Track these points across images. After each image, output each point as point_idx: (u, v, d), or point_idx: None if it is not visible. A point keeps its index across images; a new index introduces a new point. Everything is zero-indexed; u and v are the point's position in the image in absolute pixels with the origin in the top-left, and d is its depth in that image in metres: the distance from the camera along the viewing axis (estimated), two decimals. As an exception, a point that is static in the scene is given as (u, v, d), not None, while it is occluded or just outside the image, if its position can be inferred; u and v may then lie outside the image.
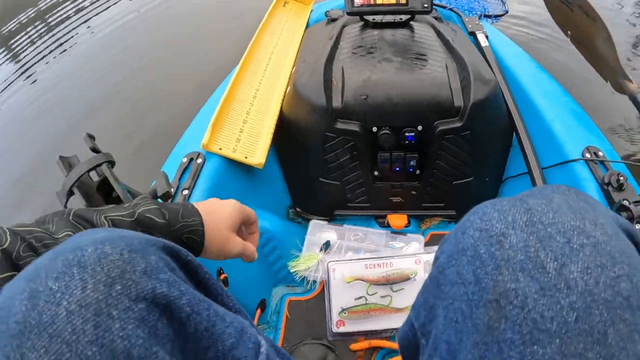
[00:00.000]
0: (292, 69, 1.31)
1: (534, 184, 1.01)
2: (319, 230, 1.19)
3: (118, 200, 0.67)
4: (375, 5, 1.25)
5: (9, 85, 2.87)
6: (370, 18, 1.32)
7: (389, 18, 1.33)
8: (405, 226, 1.20)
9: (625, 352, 0.32)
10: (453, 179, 1.14)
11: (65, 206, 0.64)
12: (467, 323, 0.37)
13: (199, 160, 1.04)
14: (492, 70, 1.19)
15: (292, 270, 1.09)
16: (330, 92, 1.10)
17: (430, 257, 1.03)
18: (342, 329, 0.97)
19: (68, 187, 0.64)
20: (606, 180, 0.90)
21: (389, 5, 1.24)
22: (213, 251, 0.65)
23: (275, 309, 1.07)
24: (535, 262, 0.35)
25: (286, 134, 1.20)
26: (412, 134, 1.08)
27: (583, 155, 0.97)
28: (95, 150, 0.68)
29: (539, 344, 0.32)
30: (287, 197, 1.29)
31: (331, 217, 1.24)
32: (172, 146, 1.14)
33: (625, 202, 0.83)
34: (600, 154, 0.97)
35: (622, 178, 0.88)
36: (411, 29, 1.30)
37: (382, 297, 1.00)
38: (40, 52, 3.16)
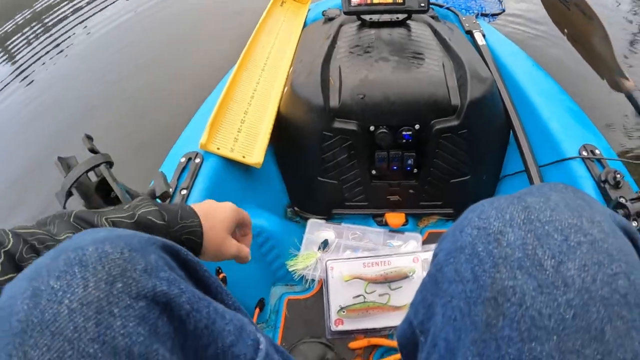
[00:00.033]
0: (290, 68, 1.31)
1: (531, 182, 1.01)
2: (317, 229, 1.19)
3: (116, 201, 0.67)
4: (372, 4, 1.25)
5: (5, 86, 2.86)
6: (367, 17, 1.32)
7: (386, 17, 1.33)
8: (403, 225, 1.20)
9: (622, 349, 0.32)
10: (450, 178, 1.15)
11: (64, 207, 0.64)
12: (465, 320, 0.37)
13: (197, 160, 1.04)
14: (489, 68, 1.20)
15: (290, 269, 1.09)
16: (327, 91, 1.10)
17: (428, 255, 1.04)
18: (340, 328, 0.98)
19: (67, 188, 0.64)
20: (603, 178, 0.90)
21: (385, 4, 1.25)
22: (210, 252, 0.65)
23: (274, 308, 1.08)
24: (532, 260, 0.35)
25: (284, 134, 1.20)
26: (410, 132, 1.08)
27: (580, 153, 0.98)
28: (93, 151, 0.68)
29: (537, 341, 0.33)
30: (285, 196, 1.29)
31: (329, 216, 1.24)
32: (170, 146, 1.14)
33: (622, 200, 0.84)
34: (597, 151, 0.98)
35: (618, 176, 0.88)
36: (408, 28, 1.30)
37: (380, 295, 1.00)
38: (36, 53, 3.16)
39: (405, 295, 1.00)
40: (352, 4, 1.25)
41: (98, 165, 0.67)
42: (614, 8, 2.53)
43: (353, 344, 0.97)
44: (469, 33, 1.42)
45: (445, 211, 1.21)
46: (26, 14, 3.99)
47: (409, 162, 1.13)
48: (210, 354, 0.42)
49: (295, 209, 1.28)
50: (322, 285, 1.06)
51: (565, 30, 1.28)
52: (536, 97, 1.15)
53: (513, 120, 1.11)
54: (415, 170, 1.15)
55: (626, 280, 0.34)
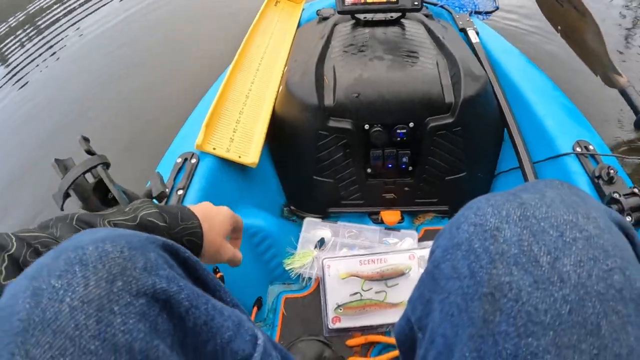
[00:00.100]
0: (284, 68, 1.32)
1: (525, 178, 1.02)
2: (314, 228, 1.19)
3: (114, 202, 0.68)
4: (366, 3, 1.25)
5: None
6: (361, 16, 1.33)
7: (380, 16, 1.33)
8: (399, 222, 1.21)
9: (618, 344, 0.32)
10: (445, 175, 1.15)
11: (62, 208, 0.64)
12: (462, 316, 0.37)
13: (193, 161, 1.04)
14: (482, 66, 1.20)
15: (287, 268, 1.09)
16: (322, 90, 1.11)
17: (424, 252, 1.04)
18: (338, 325, 0.98)
19: (64, 190, 0.64)
20: (597, 174, 0.91)
21: (379, 3, 1.25)
22: (209, 254, 0.66)
23: (271, 307, 1.08)
24: (528, 256, 0.35)
25: (279, 133, 1.20)
26: (404, 130, 1.09)
27: (574, 149, 0.98)
28: (90, 152, 0.69)
29: (533, 336, 0.33)
30: (281, 196, 1.30)
31: (325, 215, 1.24)
32: (166, 147, 1.14)
33: (616, 195, 0.84)
34: (591, 147, 0.98)
35: (612, 171, 0.89)
36: (402, 26, 1.30)
37: (376, 292, 1.01)
38: (30, 55, 3.14)
39: (401, 292, 1.00)
40: (346, 3, 1.25)
41: (95, 167, 0.67)
42: (607, 3, 2.54)
43: (350, 342, 0.97)
44: (463, 31, 1.43)
45: (440, 208, 1.22)
46: (19, 17, 3.97)
47: (404, 160, 1.13)
48: (209, 350, 0.43)
49: (292, 208, 1.28)
50: (319, 283, 1.07)
51: (559, 27, 1.29)
52: (530, 94, 1.16)
53: (507, 117, 1.12)
54: (410, 168, 1.15)
55: (621, 276, 0.34)
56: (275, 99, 1.23)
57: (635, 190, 0.85)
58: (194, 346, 0.42)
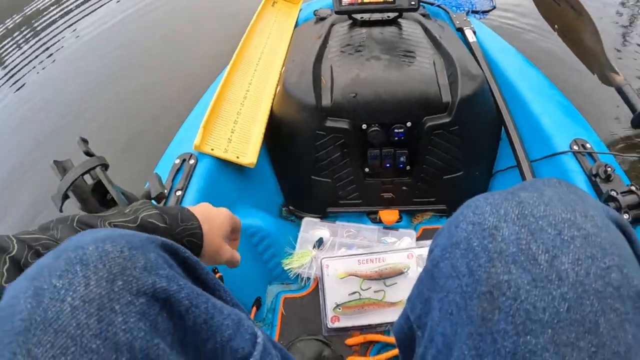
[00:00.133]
0: (282, 68, 1.32)
1: (523, 177, 1.02)
2: (312, 228, 1.20)
3: (112, 203, 0.68)
4: (363, 3, 1.25)
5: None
6: (358, 16, 1.33)
7: (377, 16, 1.33)
8: (397, 221, 1.21)
9: (616, 341, 0.32)
10: (443, 174, 1.15)
11: (61, 210, 0.65)
12: (461, 315, 0.38)
13: (192, 161, 1.04)
14: (479, 65, 1.21)
15: (286, 268, 1.10)
16: (319, 90, 1.11)
17: (422, 251, 1.05)
18: (337, 325, 0.98)
19: (63, 191, 0.64)
20: (594, 172, 0.91)
21: (376, 3, 1.25)
22: (208, 255, 0.66)
23: (270, 307, 1.08)
24: (527, 254, 0.35)
25: (277, 133, 1.20)
26: (402, 130, 1.09)
27: (571, 148, 0.99)
28: (88, 153, 0.69)
29: (532, 334, 0.33)
30: (279, 196, 1.30)
31: (324, 215, 1.24)
32: (164, 148, 1.14)
33: (613, 193, 0.84)
34: (588, 145, 0.99)
35: (609, 169, 0.89)
36: (399, 26, 1.31)
37: (375, 291, 1.01)
38: (27, 57, 3.14)
39: (400, 291, 1.01)
40: (343, 4, 1.25)
41: (94, 168, 0.67)
42: (603, 1, 2.54)
43: (350, 341, 0.97)
44: (460, 30, 1.43)
45: (438, 207, 1.22)
46: (16, 19, 3.96)
47: (402, 159, 1.13)
48: (209, 348, 0.43)
49: (290, 208, 1.29)
50: (317, 283, 1.07)
51: (556, 26, 1.29)
52: (527, 92, 1.16)
53: (504, 116, 1.12)
54: (408, 168, 1.16)
55: (619, 273, 0.34)
56: (273, 100, 1.23)
57: (633, 188, 0.85)
58: (194, 344, 0.42)
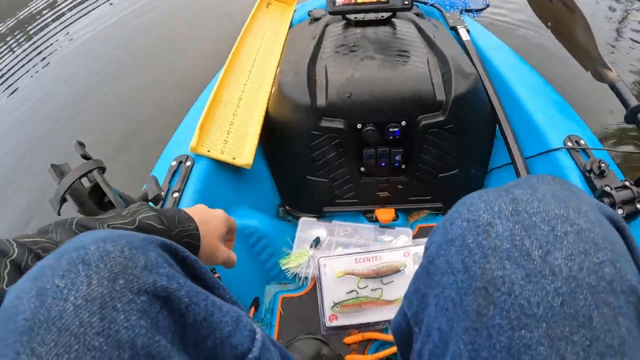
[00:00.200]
0: (277, 69, 1.32)
1: (517, 174, 1.03)
2: (309, 227, 1.20)
3: (110, 206, 0.68)
4: (357, 4, 1.26)
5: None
6: (352, 17, 1.33)
7: (370, 16, 1.34)
8: (393, 220, 1.22)
9: (610, 335, 0.33)
10: (438, 172, 1.16)
11: (59, 213, 0.65)
12: (457, 310, 0.38)
13: (188, 163, 1.04)
14: (473, 64, 1.21)
15: (283, 268, 1.10)
16: (314, 91, 1.11)
17: (419, 249, 1.05)
18: (335, 323, 0.99)
19: (61, 194, 0.64)
20: (588, 168, 0.91)
21: (370, 3, 1.26)
22: (205, 256, 0.67)
23: (268, 307, 1.08)
24: (521, 250, 0.36)
25: (273, 134, 1.21)
26: (397, 129, 1.10)
27: (565, 144, 0.99)
28: (85, 157, 0.69)
29: (527, 328, 0.34)
30: (276, 196, 1.30)
31: (320, 214, 1.25)
32: (160, 150, 1.14)
33: (607, 189, 0.85)
34: (582, 142, 0.99)
35: (603, 165, 0.90)
36: (393, 26, 1.31)
37: (372, 290, 1.01)
38: (20, 61, 3.13)
39: (397, 289, 1.01)
40: (337, 4, 1.26)
41: (91, 171, 0.67)
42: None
43: (348, 339, 0.98)
44: (454, 29, 1.44)
45: (434, 205, 1.23)
46: (9, 23, 3.95)
47: (397, 158, 1.14)
48: (209, 345, 0.44)
49: (287, 208, 1.29)
50: (315, 282, 1.07)
51: (549, 24, 1.30)
52: (521, 90, 1.16)
53: (498, 114, 1.13)
54: (403, 166, 1.16)
55: (612, 268, 0.35)
56: (268, 100, 1.23)
57: (627, 183, 0.86)
58: (194, 341, 0.42)
